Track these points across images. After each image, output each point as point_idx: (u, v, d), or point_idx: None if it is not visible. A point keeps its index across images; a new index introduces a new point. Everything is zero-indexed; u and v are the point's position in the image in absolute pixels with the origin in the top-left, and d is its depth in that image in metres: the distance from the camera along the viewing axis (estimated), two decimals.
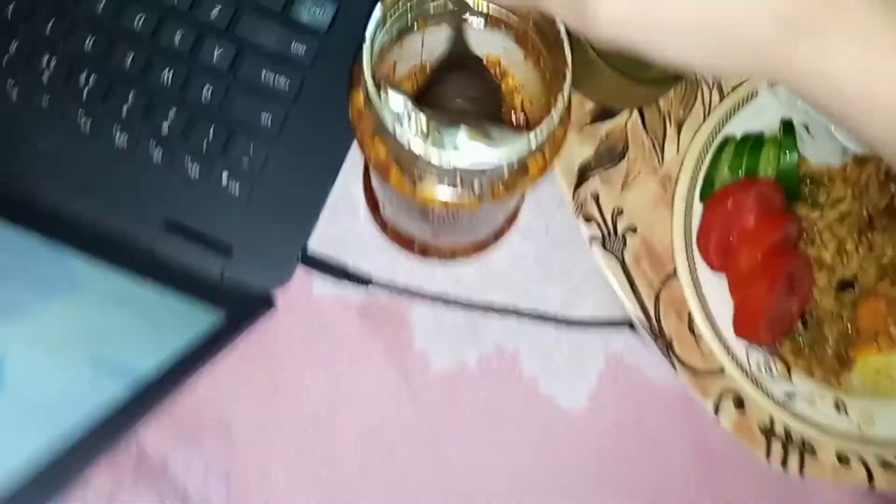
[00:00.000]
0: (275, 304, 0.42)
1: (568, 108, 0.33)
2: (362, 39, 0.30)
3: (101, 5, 0.43)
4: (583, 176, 0.43)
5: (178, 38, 0.43)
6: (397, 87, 0.30)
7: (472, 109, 0.35)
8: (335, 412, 0.43)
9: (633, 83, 0.41)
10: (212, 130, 0.43)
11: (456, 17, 0.34)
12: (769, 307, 0.38)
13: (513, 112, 0.38)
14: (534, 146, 0.29)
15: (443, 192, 0.31)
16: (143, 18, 0.43)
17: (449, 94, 0.36)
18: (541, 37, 0.33)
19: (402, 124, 0.29)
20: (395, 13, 0.31)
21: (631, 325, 0.43)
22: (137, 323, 0.37)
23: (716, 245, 0.39)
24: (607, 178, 0.43)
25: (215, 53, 0.43)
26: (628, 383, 0.44)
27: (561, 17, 0.26)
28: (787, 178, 0.40)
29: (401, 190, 0.32)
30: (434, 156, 0.29)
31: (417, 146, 0.29)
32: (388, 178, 0.32)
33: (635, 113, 0.45)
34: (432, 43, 0.36)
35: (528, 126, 0.37)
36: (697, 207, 0.41)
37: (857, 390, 0.41)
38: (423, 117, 0.29)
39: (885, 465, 0.41)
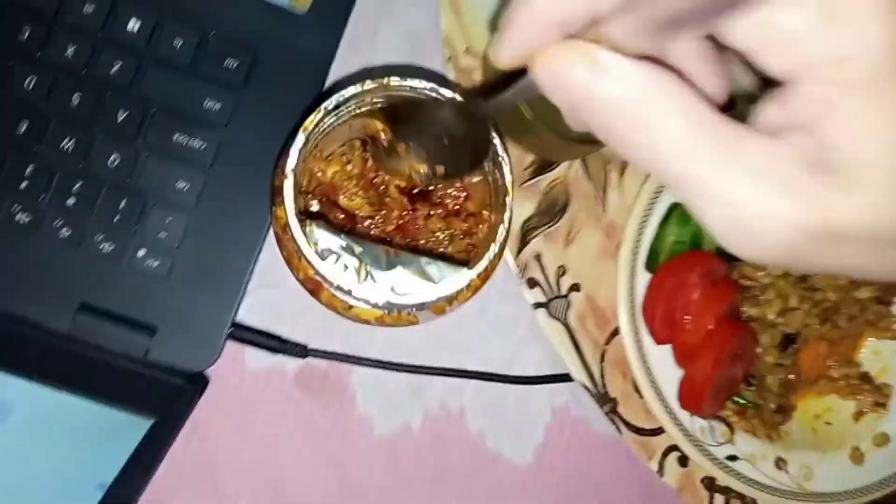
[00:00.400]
0: (207, 381, 0.40)
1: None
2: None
3: None
4: (525, 238, 0.42)
5: (75, 100, 0.39)
6: (325, 223, 0.27)
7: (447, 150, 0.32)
8: (280, 486, 0.41)
9: (572, 142, 0.39)
10: (123, 202, 0.39)
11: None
12: (715, 380, 0.37)
13: (454, 191, 0.36)
14: (470, 279, 0.28)
15: (377, 313, 0.30)
16: (33, 81, 0.39)
17: (433, 130, 0.32)
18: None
19: (328, 260, 0.27)
20: (320, 130, 0.28)
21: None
22: (70, 441, 0.35)
23: (661, 319, 0.38)
24: (550, 236, 0.42)
25: (119, 116, 0.40)
26: (575, 436, 0.44)
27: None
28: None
29: (332, 307, 0.30)
30: (365, 293, 0.27)
31: (347, 283, 0.27)
32: (318, 297, 0.30)
33: (577, 162, 0.43)
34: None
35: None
36: (641, 274, 0.40)
37: (798, 442, 0.42)
38: (354, 260, 0.27)
39: None
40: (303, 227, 0.27)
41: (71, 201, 0.39)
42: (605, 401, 0.41)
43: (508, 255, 0.40)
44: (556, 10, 0.21)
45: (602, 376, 0.41)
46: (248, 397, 0.41)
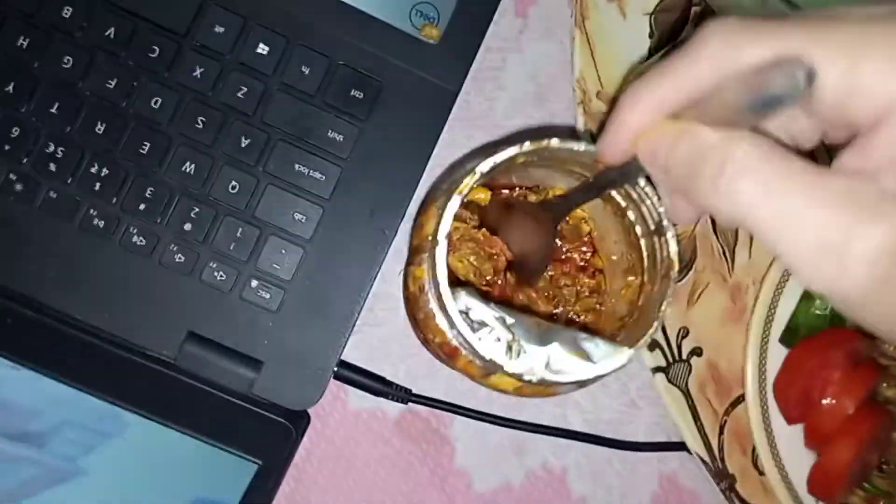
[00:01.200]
0: (309, 420, 0.39)
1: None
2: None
3: (113, 83, 0.38)
4: None
5: (200, 123, 0.39)
6: (474, 290, 0.26)
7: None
8: None
9: None
10: (240, 231, 0.39)
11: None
12: (850, 468, 0.35)
13: (582, 246, 0.34)
14: (629, 357, 0.26)
15: (516, 384, 0.28)
16: (160, 101, 0.38)
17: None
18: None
19: (480, 332, 0.25)
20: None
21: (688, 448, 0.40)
22: (169, 477, 0.34)
23: (796, 397, 0.36)
24: (674, 294, 0.40)
25: (242, 141, 0.39)
26: None
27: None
28: None
29: (470, 374, 0.29)
30: (516, 368, 0.25)
31: (496, 356, 0.25)
32: (455, 362, 0.28)
33: (705, 216, 0.41)
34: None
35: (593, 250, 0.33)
36: (775, 345, 0.37)
37: None
38: (506, 332, 0.25)
39: None
40: (453, 294, 0.25)
41: (188, 227, 0.38)
42: (722, 476, 0.38)
43: None
44: (659, 97, 0.24)
45: (721, 449, 0.39)
46: (347, 439, 0.40)
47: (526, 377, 0.25)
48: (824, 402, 0.35)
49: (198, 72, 0.39)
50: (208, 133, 0.39)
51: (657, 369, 0.39)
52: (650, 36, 0.42)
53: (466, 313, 0.25)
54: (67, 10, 0.38)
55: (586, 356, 0.25)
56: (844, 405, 0.35)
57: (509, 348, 0.25)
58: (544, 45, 0.43)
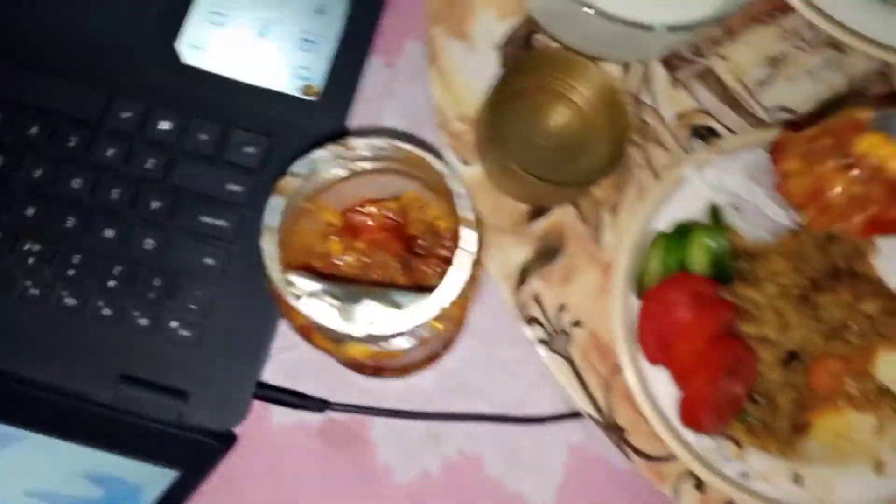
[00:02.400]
0: (236, 439, 0.43)
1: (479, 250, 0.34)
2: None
3: (39, 173, 0.45)
4: (523, 277, 0.44)
5: (115, 194, 0.45)
6: (303, 272, 0.31)
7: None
8: None
9: (557, 186, 0.42)
10: (157, 280, 0.44)
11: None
12: (712, 397, 0.38)
13: (442, 240, 0.39)
14: (440, 306, 0.30)
15: (367, 351, 0.32)
16: (80, 181, 0.45)
17: None
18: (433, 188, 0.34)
19: (309, 303, 0.30)
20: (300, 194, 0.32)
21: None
22: (98, 490, 0.38)
23: (654, 342, 0.40)
24: (547, 276, 0.44)
25: (153, 205, 0.45)
26: (595, 473, 0.44)
27: None
28: (719, 264, 0.41)
29: (326, 350, 0.33)
30: (348, 328, 0.30)
31: (331, 322, 0.30)
32: (311, 341, 0.33)
33: (570, 207, 0.46)
34: (351, 189, 0.37)
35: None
36: (635, 302, 0.42)
37: (816, 458, 0.42)
38: (334, 300, 0.30)
39: None
40: (285, 275, 0.30)
41: (112, 283, 0.44)
42: (612, 429, 0.42)
43: (507, 294, 0.43)
44: None
45: (609, 407, 0.42)
46: (275, 452, 0.44)
47: (354, 335, 0.29)
48: (676, 341, 0.39)
49: (110, 152, 0.45)
50: (124, 202, 0.45)
51: (539, 342, 0.43)
52: (504, 66, 0.48)
53: (305, 293, 0.30)
54: None
55: (398, 307, 0.30)
56: (695, 341, 0.38)
57: (338, 312, 0.30)
58: (413, 87, 0.49)
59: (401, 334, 0.30)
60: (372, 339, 0.30)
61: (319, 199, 0.35)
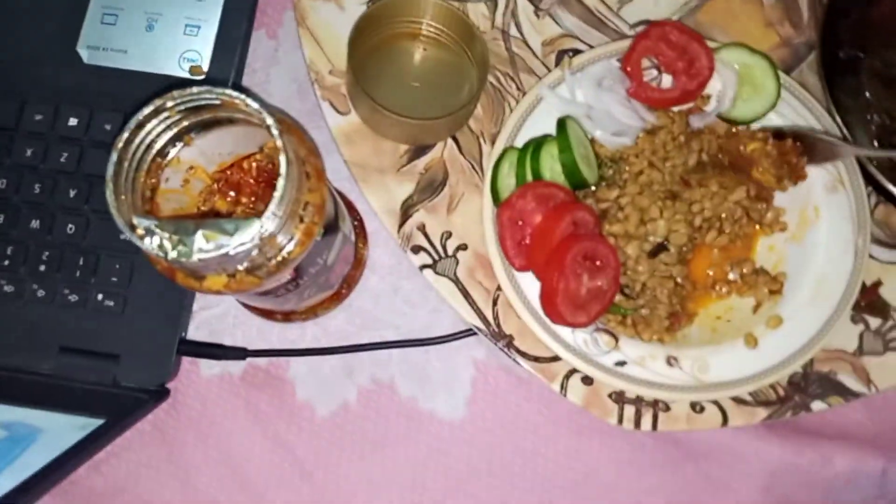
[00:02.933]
0: (168, 393, 0.48)
1: (319, 178, 0.37)
2: None
3: None
4: (406, 213, 0.47)
5: (37, 189, 0.49)
6: (143, 214, 0.35)
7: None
8: (241, 472, 0.47)
9: (426, 121, 0.45)
10: (81, 260, 0.49)
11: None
12: (567, 291, 0.41)
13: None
14: (269, 227, 0.34)
15: (223, 281, 0.36)
16: (4, 182, 0.50)
17: None
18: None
19: (148, 240, 0.34)
20: (129, 150, 0.36)
21: None
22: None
23: (512, 248, 0.43)
24: (432, 208, 0.47)
25: (70, 193, 0.49)
26: (500, 383, 0.47)
27: None
28: (571, 172, 0.43)
29: (190, 286, 0.37)
30: (185, 257, 0.33)
31: (170, 255, 0.33)
32: (175, 280, 0.37)
33: (450, 142, 0.49)
34: (212, 146, 0.41)
35: None
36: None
37: (696, 340, 0.44)
38: (164, 233, 0.33)
39: (739, 401, 0.44)
40: (126, 220, 0.34)
41: (42, 268, 0.49)
42: (499, 337, 0.44)
43: (391, 229, 0.46)
44: None
45: (496, 318, 0.45)
46: (205, 402, 0.48)
47: (188, 262, 0.33)
48: (526, 242, 0.42)
49: (29, 152, 0.50)
50: (44, 194, 0.49)
51: (423, 266, 0.46)
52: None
53: (146, 232, 0.34)
54: None
55: (228, 233, 0.34)
56: (546, 241, 0.41)
57: (172, 245, 0.33)
58: (295, 53, 0.52)
59: (227, 255, 0.33)
60: (205, 263, 0.33)
61: (183, 161, 0.39)
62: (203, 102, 0.36)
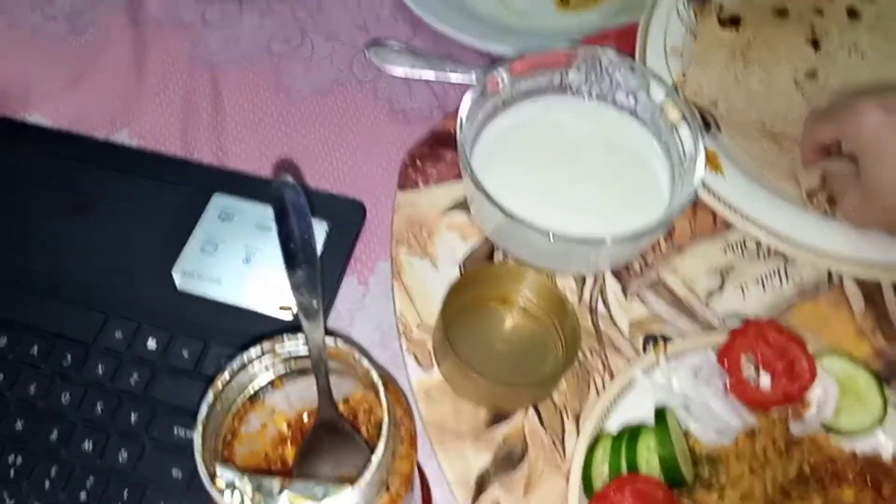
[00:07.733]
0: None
1: (412, 443, 0.35)
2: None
3: (33, 388, 0.48)
4: (481, 487, 0.44)
5: (99, 408, 0.48)
6: (225, 463, 0.32)
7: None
8: None
9: (511, 387, 0.44)
10: (126, 492, 0.45)
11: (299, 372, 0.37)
12: None
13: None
14: (358, 497, 0.31)
15: None
16: (68, 395, 0.48)
17: (322, 472, 0.38)
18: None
19: (226, 493, 0.31)
20: (225, 392, 0.34)
21: None
22: None
23: None
24: (508, 485, 0.44)
25: (131, 418, 0.47)
26: None
27: None
28: (670, 467, 0.41)
29: None
30: None
31: None
32: None
33: (531, 411, 0.47)
34: (298, 392, 0.39)
35: None
36: None
37: None
38: (247, 490, 0.31)
39: None
40: (208, 468, 0.31)
41: (83, 496, 0.45)
42: None
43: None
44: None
45: None
46: None
47: None
48: None
49: (100, 369, 0.49)
50: (105, 413, 0.47)
51: None
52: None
53: (227, 484, 0.31)
54: (3, 339, 0.50)
55: (316, 498, 0.31)
56: None
57: (252, 500, 0.31)
58: (383, 302, 0.53)
59: None
60: None
61: (268, 404, 0.37)
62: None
